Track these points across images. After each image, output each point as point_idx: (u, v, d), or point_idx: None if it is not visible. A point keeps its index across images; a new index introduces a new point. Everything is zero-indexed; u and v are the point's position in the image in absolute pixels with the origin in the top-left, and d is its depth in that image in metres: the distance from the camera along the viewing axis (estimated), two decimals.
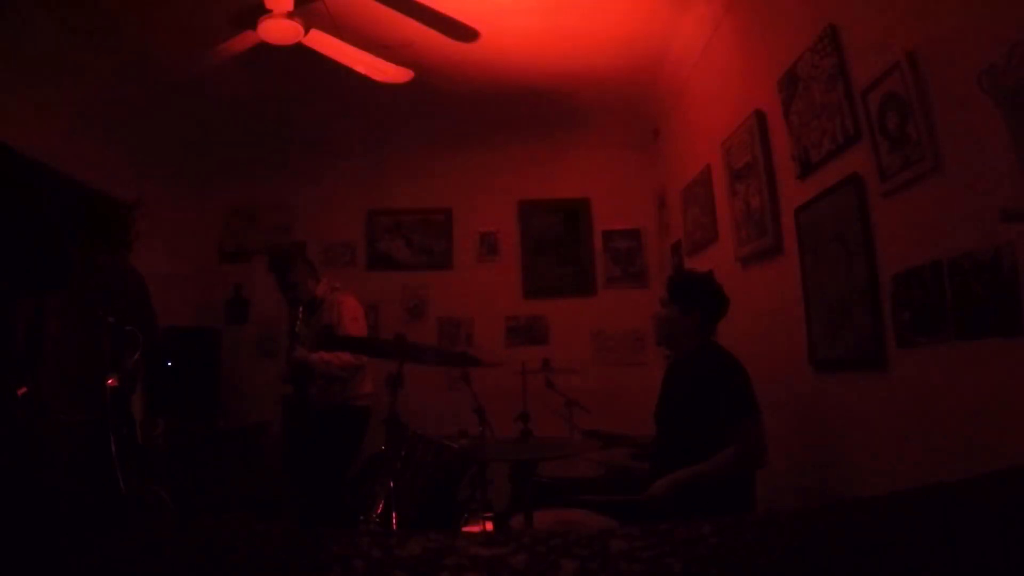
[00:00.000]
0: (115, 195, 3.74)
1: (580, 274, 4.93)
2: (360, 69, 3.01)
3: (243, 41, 2.79)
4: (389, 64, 3.03)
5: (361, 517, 2.81)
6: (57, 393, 2.38)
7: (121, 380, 2.48)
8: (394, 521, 2.45)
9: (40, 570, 0.45)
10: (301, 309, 3.43)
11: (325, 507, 3.19)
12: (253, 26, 2.61)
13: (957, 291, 1.62)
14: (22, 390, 2.06)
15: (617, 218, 4.97)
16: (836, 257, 2.22)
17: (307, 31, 2.68)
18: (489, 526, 2.54)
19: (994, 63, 1.45)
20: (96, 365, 2.52)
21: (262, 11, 2.54)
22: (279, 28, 2.58)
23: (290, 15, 2.56)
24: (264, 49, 2.78)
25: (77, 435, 2.41)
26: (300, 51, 2.80)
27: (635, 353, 4.73)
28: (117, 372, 2.48)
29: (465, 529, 2.62)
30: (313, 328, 3.43)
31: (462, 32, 3.07)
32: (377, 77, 3.09)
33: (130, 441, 2.53)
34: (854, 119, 2.06)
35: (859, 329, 2.08)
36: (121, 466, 2.32)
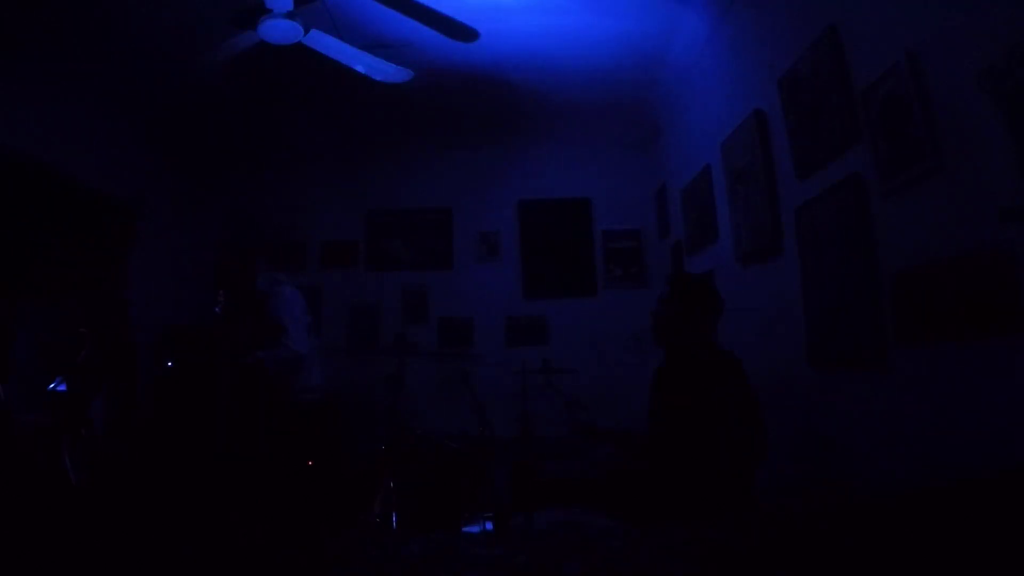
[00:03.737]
0: (115, 195, 3.74)
1: (580, 274, 4.94)
2: (360, 69, 3.01)
3: (243, 41, 2.80)
4: (389, 64, 3.03)
5: (361, 517, 2.81)
6: (19, 395, 2.41)
7: (72, 383, 2.49)
8: (394, 521, 2.45)
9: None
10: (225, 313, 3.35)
11: (306, 506, 3.13)
12: (253, 26, 2.61)
13: (957, 291, 1.62)
14: None
15: (617, 218, 4.97)
16: (836, 257, 2.22)
17: (307, 31, 2.68)
18: (489, 526, 2.54)
19: (994, 63, 1.45)
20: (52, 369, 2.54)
21: (262, 11, 2.54)
22: (279, 28, 2.58)
23: (290, 15, 2.56)
24: (264, 49, 2.78)
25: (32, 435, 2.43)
26: (300, 51, 2.80)
27: (635, 353, 4.73)
28: (68, 375, 2.49)
29: (465, 529, 2.62)
30: (258, 324, 3.35)
31: (462, 32, 3.07)
32: (377, 77, 3.10)
33: (86, 440, 2.55)
34: (854, 119, 2.06)
35: (859, 329, 2.08)
36: (73, 463, 2.35)
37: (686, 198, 3.93)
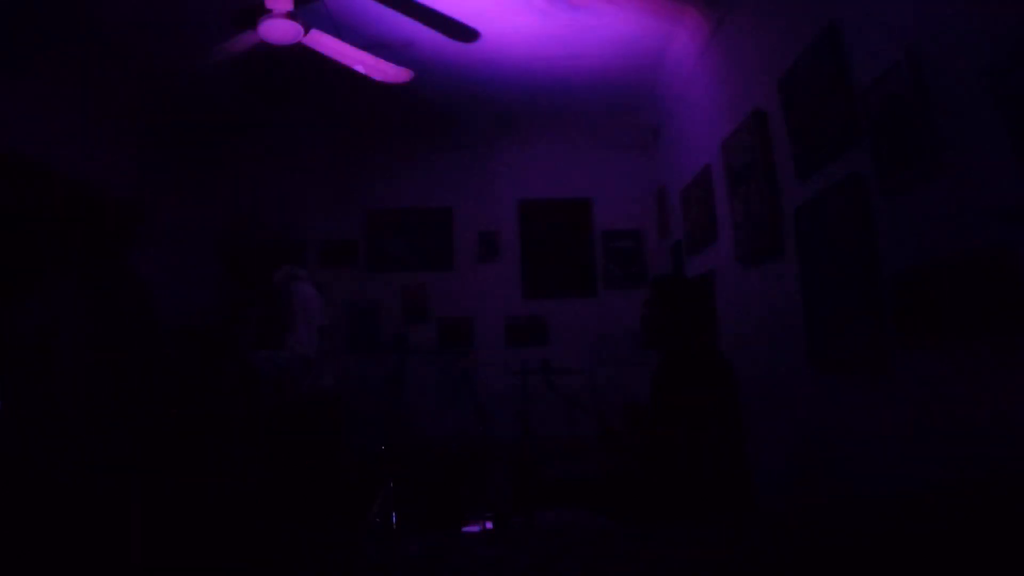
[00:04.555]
0: (115, 195, 3.74)
1: (580, 274, 4.94)
2: (360, 69, 3.01)
3: (243, 41, 2.80)
4: (389, 64, 3.03)
5: (361, 517, 2.81)
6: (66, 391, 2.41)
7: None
8: (394, 521, 2.45)
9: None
10: (247, 305, 3.32)
11: (306, 506, 3.10)
12: (253, 26, 2.61)
13: (957, 291, 1.62)
14: None
15: (617, 218, 4.97)
16: (836, 257, 2.22)
17: (307, 31, 2.68)
18: (489, 526, 2.54)
19: (995, 63, 1.45)
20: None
21: (262, 11, 2.54)
22: (279, 28, 2.58)
23: (290, 15, 2.56)
24: (264, 49, 2.78)
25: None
26: (300, 51, 2.81)
27: (635, 353, 4.73)
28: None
29: (465, 529, 2.62)
30: (266, 321, 3.32)
31: (462, 32, 3.07)
32: (377, 77, 3.09)
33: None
34: (854, 119, 2.06)
35: (859, 329, 2.08)
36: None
37: (686, 198, 3.93)
